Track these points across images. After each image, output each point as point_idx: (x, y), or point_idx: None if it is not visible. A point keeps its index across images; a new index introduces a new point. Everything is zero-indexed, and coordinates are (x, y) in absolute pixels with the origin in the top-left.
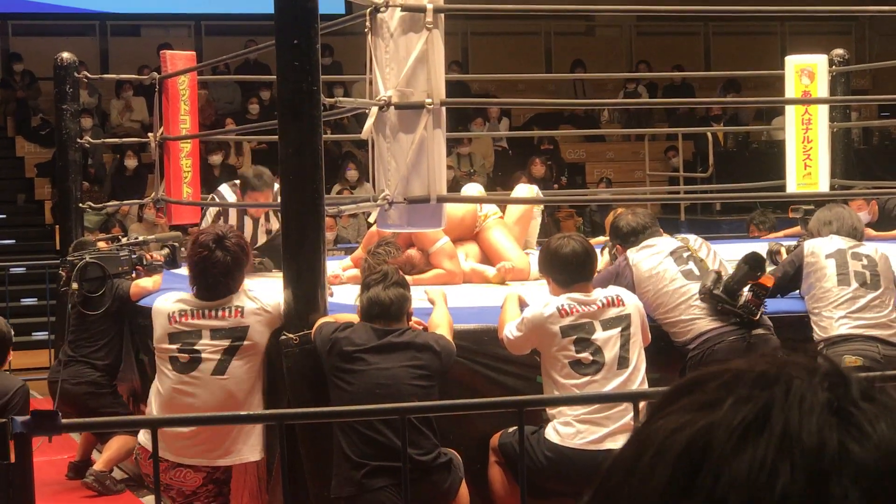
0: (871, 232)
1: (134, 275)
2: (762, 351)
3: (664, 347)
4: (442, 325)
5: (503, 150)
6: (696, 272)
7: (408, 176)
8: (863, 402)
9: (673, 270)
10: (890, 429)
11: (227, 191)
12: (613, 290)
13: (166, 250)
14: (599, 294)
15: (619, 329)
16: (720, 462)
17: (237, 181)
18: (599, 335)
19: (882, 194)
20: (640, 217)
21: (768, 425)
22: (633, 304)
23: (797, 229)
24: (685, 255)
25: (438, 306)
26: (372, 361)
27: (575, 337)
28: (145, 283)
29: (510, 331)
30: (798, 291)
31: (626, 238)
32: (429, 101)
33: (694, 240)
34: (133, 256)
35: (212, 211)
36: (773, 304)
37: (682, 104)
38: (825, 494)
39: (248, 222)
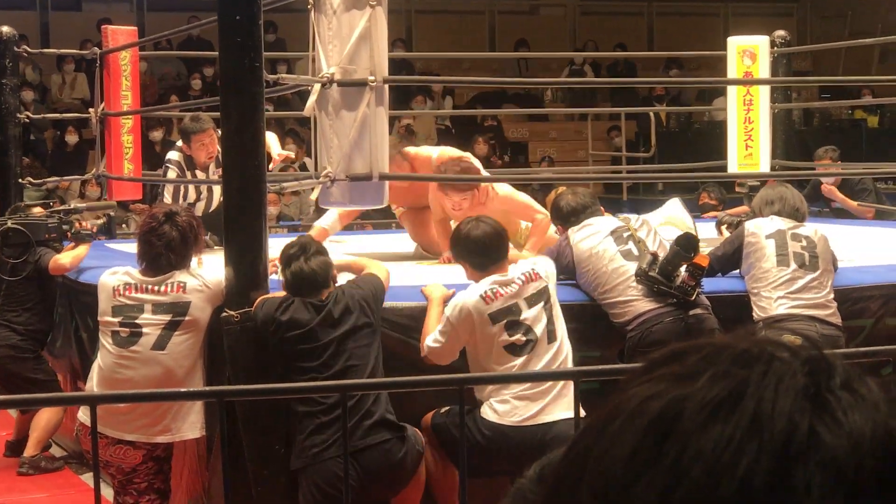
0: (835, 190)
1: (66, 244)
2: (748, 329)
3: (607, 326)
4: (365, 267)
5: (446, 129)
6: (636, 252)
7: (350, 153)
8: (841, 390)
9: (612, 250)
10: (864, 420)
11: (174, 155)
12: (528, 265)
13: (102, 220)
14: (517, 272)
15: (543, 303)
16: (688, 434)
17: (179, 141)
18: (527, 313)
19: (820, 175)
20: (580, 197)
21: (741, 403)
22: (547, 274)
23: (744, 208)
24: (625, 234)
25: (433, 307)
26: (322, 340)
27: (505, 321)
28: (64, 258)
29: (433, 340)
30: (738, 271)
31: (567, 218)
32: (371, 78)
33: (635, 220)
34: (63, 225)
35: (169, 192)
36: (713, 284)
37: (625, 83)
38: (789, 478)
39: (200, 176)
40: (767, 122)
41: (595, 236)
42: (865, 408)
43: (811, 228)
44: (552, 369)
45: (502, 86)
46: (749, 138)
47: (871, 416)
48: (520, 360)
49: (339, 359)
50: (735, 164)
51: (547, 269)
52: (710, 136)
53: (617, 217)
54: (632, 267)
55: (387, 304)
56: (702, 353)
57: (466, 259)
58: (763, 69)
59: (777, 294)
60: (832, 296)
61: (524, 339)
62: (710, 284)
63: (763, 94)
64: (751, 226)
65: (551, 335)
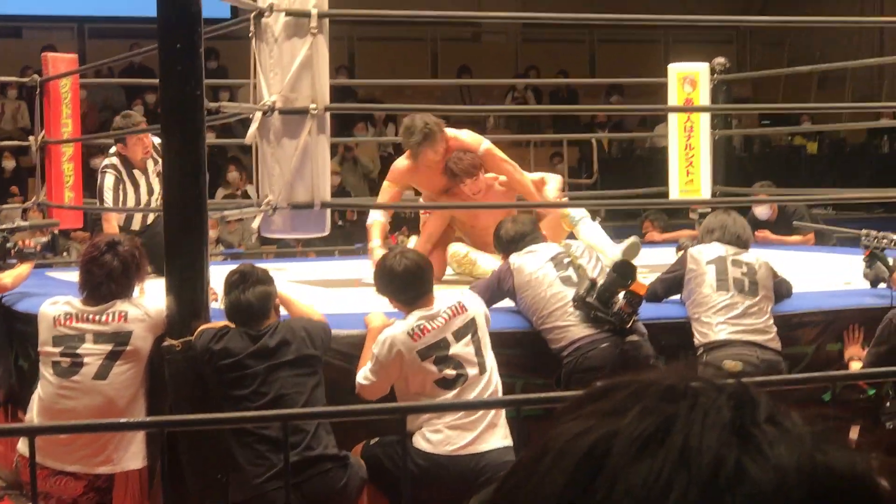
0: (769, 235)
1: (13, 262)
2: (675, 365)
3: (550, 352)
4: (307, 312)
5: (388, 156)
6: (575, 279)
7: (292, 181)
8: (766, 424)
9: (552, 276)
10: (789, 453)
11: (109, 160)
12: (454, 298)
13: (46, 238)
14: (442, 305)
15: (470, 336)
16: (618, 470)
17: (111, 148)
18: (456, 348)
19: (763, 201)
20: (519, 225)
21: (669, 438)
22: (474, 307)
23: (687, 232)
24: (565, 261)
25: (370, 339)
26: (253, 367)
27: (434, 356)
28: (6, 278)
29: (364, 376)
30: (679, 297)
31: (508, 246)
32: (313, 106)
33: (576, 246)
34: (6, 243)
35: (107, 186)
36: (654, 310)
37: (567, 111)
38: None
39: (139, 177)
40: (708, 149)
41: (535, 262)
42: (791, 441)
43: (753, 255)
44: (486, 395)
45: (445, 112)
46: (690, 164)
47: (797, 448)
48: (451, 394)
49: (270, 388)
50: (676, 190)
51: (473, 300)
52: (652, 162)
53: (559, 243)
54: (570, 293)
55: (334, 331)
56: (630, 389)
57: (391, 295)
58: (703, 96)
59: (717, 319)
60: (772, 321)
61: (454, 372)
62: (650, 311)
63: (704, 120)
64: (693, 251)
65: (481, 367)
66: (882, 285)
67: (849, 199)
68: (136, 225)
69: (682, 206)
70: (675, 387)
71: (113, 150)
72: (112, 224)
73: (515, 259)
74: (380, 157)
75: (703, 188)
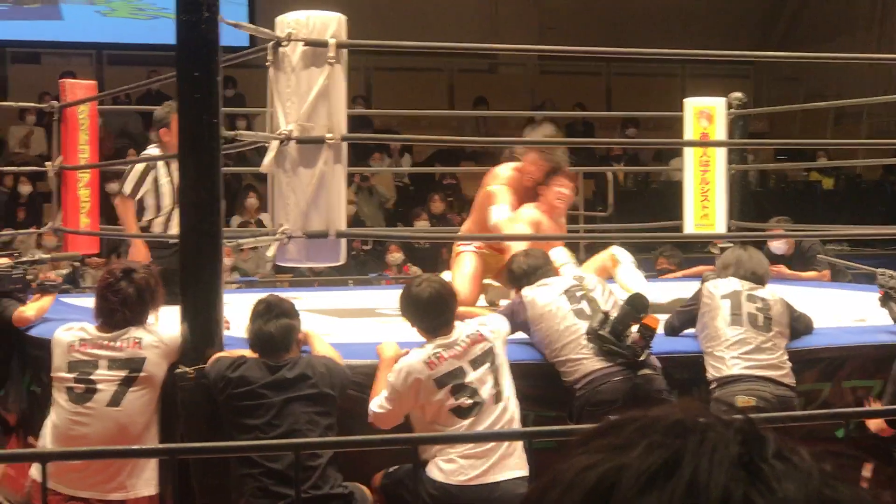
0: (784, 270)
1: (31, 295)
2: (684, 400)
3: (559, 385)
4: (331, 354)
5: (404, 186)
6: (588, 311)
7: (307, 210)
8: (774, 459)
9: (565, 308)
10: (797, 488)
11: (153, 150)
12: (472, 326)
13: (67, 269)
14: (461, 334)
15: (488, 365)
16: (625, 503)
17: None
18: (472, 376)
19: (779, 237)
20: (531, 258)
21: (677, 472)
22: (495, 335)
23: (703, 268)
24: (578, 293)
25: (383, 368)
26: (269, 398)
27: (451, 385)
28: (29, 311)
29: (379, 405)
30: (693, 330)
31: (520, 280)
32: (329, 135)
33: (589, 279)
34: (27, 276)
35: (132, 178)
36: (666, 344)
37: (582, 143)
38: None
39: (174, 169)
40: (724, 183)
41: (548, 295)
42: (799, 476)
43: (769, 291)
44: (497, 430)
45: (461, 143)
46: (705, 199)
47: (805, 484)
48: (466, 423)
49: (283, 420)
50: (691, 224)
51: (494, 328)
52: (667, 196)
53: (571, 276)
54: (583, 325)
55: (346, 361)
56: (638, 423)
57: (415, 322)
58: (720, 130)
59: (730, 354)
60: (786, 357)
61: (470, 401)
62: (664, 344)
63: (720, 155)
64: (709, 285)
65: (497, 396)
66: None
67: (864, 236)
68: (157, 227)
69: (697, 240)
70: (684, 421)
71: (151, 148)
72: (131, 216)
73: (528, 292)
74: (395, 187)
75: (718, 222)
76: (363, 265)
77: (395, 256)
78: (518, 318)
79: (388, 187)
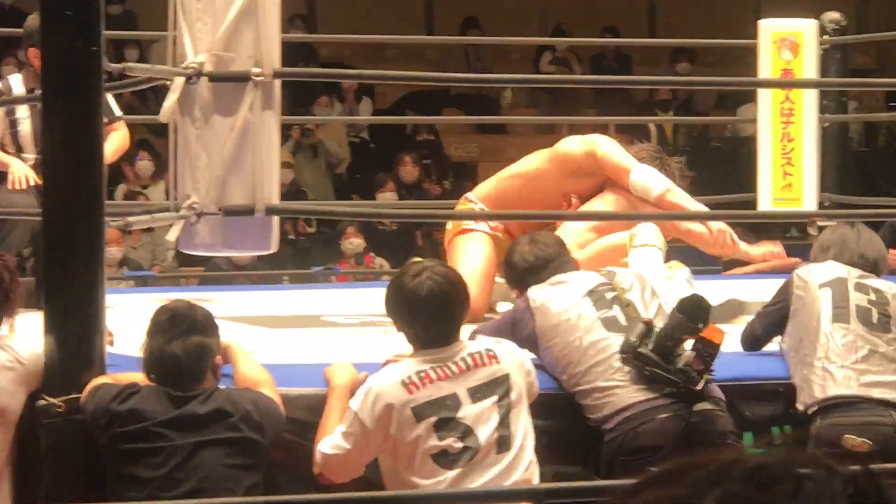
0: None
1: None
2: (764, 439)
3: (582, 425)
4: (261, 381)
5: (362, 142)
6: (623, 321)
7: (225, 176)
8: None
9: (590, 317)
10: None
11: (16, 80)
12: (484, 343)
13: None
14: (462, 350)
15: (496, 398)
16: None
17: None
18: (468, 409)
19: (886, 217)
20: (540, 246)
21: None
22: (512, 360)
23: (783, 262)
24: (609, 295)
25: (334, 399)
26: (171, 440)
27: (435, 419)
28: None
29: (332, 445)
30: (779, 338)
31: (524, 278)
32: (256, 70)
33: (623, 274)
34: None
35: None
36: (738, 366)
37: (615, 83)
38: None
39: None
40: (814, 141)
41: (565, 298)
42: None
43: (885, 283)
44: (506, 483)
45: (443, 83)
46: (788, 163)
47: None
48: (452, 474)
49: (190, 473)
50: (768, 198)
51: (514, 351)
52: (734, 158)
53: (598, 271)
54: (616, 341)
55: (282, 389)
56: (706, 469)
57: (406, 327)
58: (809, 66)
59: (834, 365)
60: None
61: (460, 445)
62: (734, 367)
63: (808, 101)
64: (801, 272)
65: (503, 443)
66: None
67: None
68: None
69: (778, 220)
70: (768, 467)
71: (15, 75)
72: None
73: (537, 294)
74: (350, 145)
75: (806, 196)
76: (305, 255)
77: (354, 243)
78: (523, 331)
79: (341, 144)
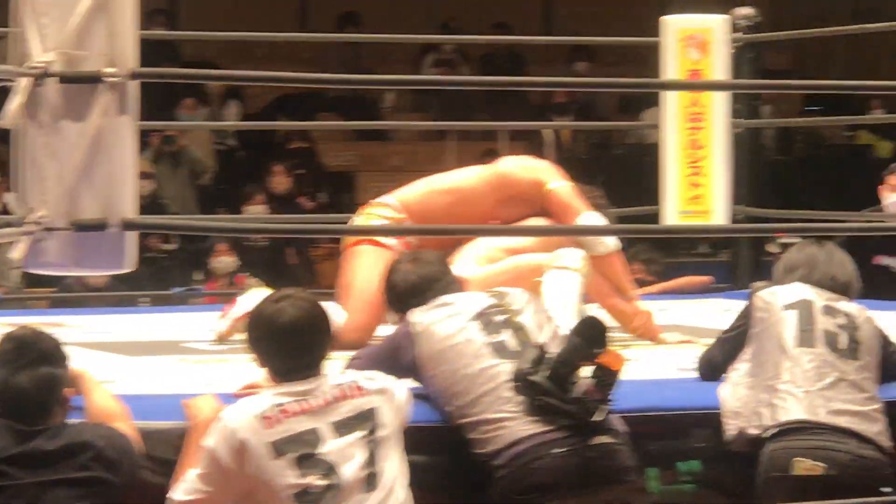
0: None
1: None
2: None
3: (468, 461)
4: (116, 414)
5: (229, 150)
6: (514, 346)
7: (75, 188)
8: None
9: (478, 342)
10: None
11: None
12: (349, 376)
13: None
14: (326, 382)
15: (362, 433)
16: None
17: None
18: (332, 445)
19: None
20: (422, 266)
21: None
22: (381, 393)
23: (690, 280)
24: (498, 318)
25: (195, 437)
26: (15, 479)
27: (295, 455)
28: None
29: (184, 491)
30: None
31: (405, 301)
32: (111, 70)
33: (514, 295)
34: None
35: None
36: (638, 396)
37: (507, 85)
38: None
39: None
40: (725, 149)
41: (451, 322)
42: None
43: (855, 306)
44: None
45: (318, 85)
46: (696, 172)
47: None
48: None
49: None
50: (674, 211)
51: (385, 384)
52: (637, 166)
53: (487, 292)
54: (507, 368)
55: (139, 423)
56: None
57: (265, 358)
58: (719, 66)
59: (801, 390)
60: (879, 405)
61: (322, 483)
62: (643, 395)
63: (718, 104)
64: (764, 294)
65: (369, 481)
66: None
67: None
68: None
69: (683, 235)
70: None
71: None
72: None
73: (419, 318)
74: (216, 152)
75: (716, 209)
76: (165, 274)
77: (224, 261)
78: (404, 358)
79: (206, 152)
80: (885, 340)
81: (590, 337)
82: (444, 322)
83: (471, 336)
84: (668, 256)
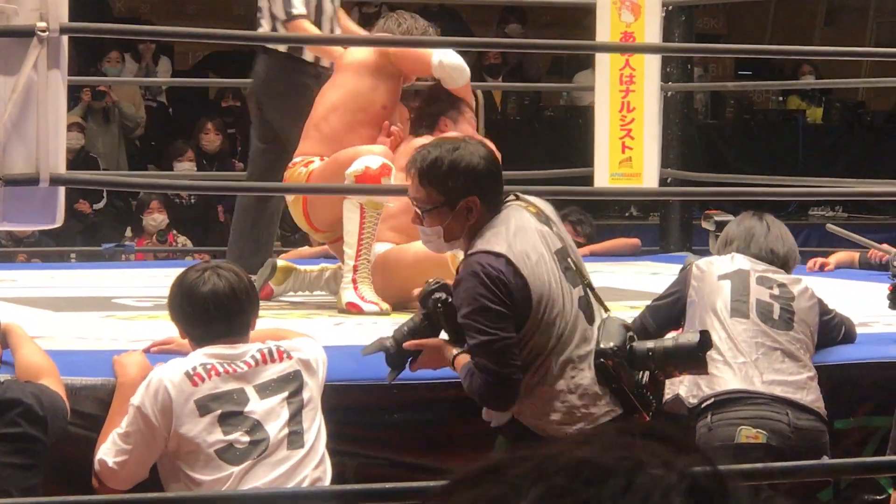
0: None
1: None
2: (601, 430)
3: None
4: (44, 370)
5: (159, 106)
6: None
7: (5, 142)
8: None
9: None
10: None
11: None
12: (272, 342)
13: None
14: (251, 348)
15: (285, 394)
16: None
17: None
18: (256, 405)
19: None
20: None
21: None
22: (307, 361)
23: (623, 242)
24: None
25: (122, 395)
26: None
27: (220, 412)
28: None
29: (109, 453)
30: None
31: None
32: (42, 25)
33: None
34: None
35: None
36: None
37: (440, 45)
38: None
39: None
40: (656, 112)
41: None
42: None
43: (794, 277)
44: (295, 481)
45: (250, 42)
46: (628, 135)
47: None
48: (236, 469)
49: None
50: (605, 173)
51: (310, 353)
52: (569, 129)
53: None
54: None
55: (67, 379)
56: (527, 464)
57: (183, 325)
58: (651, 30)
59: (737, 360)
60: (813, 373)
61: (247, 439)
62: None
63: (650, 68)
64: (700, 263)
65: (294, 439)
66: None
67: (868, 196)
68: None
69: (614, 198)
70: (598, 460)
71: None
72: None
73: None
74: (147, 108)
75: (647, 171)
76: (95, 231)
77: (157, 219)
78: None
79: (136, 107)
80: (821, 308)
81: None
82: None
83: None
84: (598, 218)
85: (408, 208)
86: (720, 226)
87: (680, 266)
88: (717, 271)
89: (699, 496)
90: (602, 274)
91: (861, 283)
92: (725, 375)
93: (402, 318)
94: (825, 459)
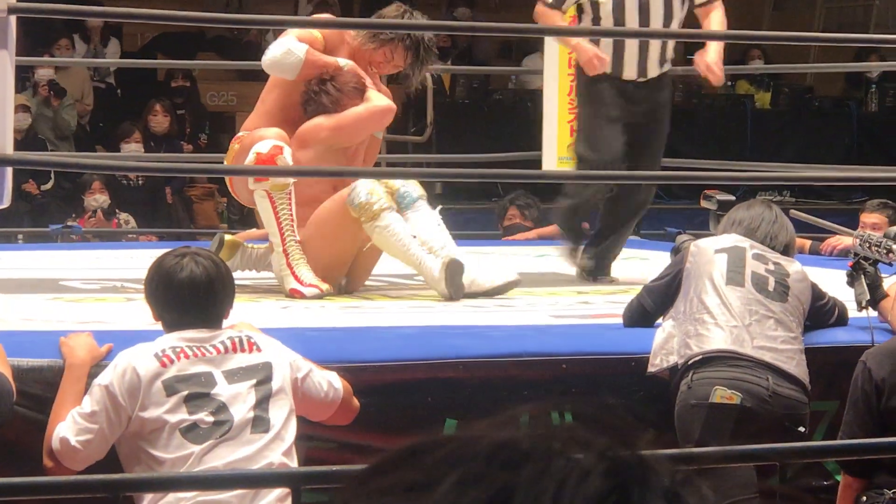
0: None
1: None
2: (517, 410)
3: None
4: None
5: (108, 88)
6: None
7: None
8: (659, 501)
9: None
10: None
11: None
12: (245, 332)
13: None
14: (222, 335)
15: (253, 382)
16: None
17: None
18: (223, 389)
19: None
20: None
21: None
22: (276, 354)
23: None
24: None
25: (71, 377)
26: None
27: (186, 392)
28: None
29: (71, 431)
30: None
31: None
32: None
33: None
34: None
35: None
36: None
37: (388, 28)
38: None
39: None
40: None
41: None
42: None
43: (787, 259)
44: (259, 465)
45: (199, 24)
46: (576, 118)
47: None
48: (198, 448)
49: None
50: (554, 156)
51: (282, 349)
52: (518, 112)
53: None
54: None
55: (13, 360)
56: (444, 449)
57: (157, 310)
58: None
59: (729, 324)
60: (801, 346)
61: (212, 419)
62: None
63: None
64: (699, 242)
65: (258, 422)
66: (863, 313)
67: (815, 181)
68: None
69: (561, 181)
70: (516, 444)
71: None
72: None
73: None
74: (95, 91)
75: None
76: (41, 211)
77: (99, 199)
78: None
79: (84, 90)
80: (816, 293)
81: None
82: None
83: None
84: (545, 202)
85: (310, 199)
86: (723, 205)
87: (653, 250)
88: (714, 246)
89: (618, 478)
90: (549, 258)
91: (816, 269)
92: (715, 335)
93: (354, 301)
94: (801, 430)
